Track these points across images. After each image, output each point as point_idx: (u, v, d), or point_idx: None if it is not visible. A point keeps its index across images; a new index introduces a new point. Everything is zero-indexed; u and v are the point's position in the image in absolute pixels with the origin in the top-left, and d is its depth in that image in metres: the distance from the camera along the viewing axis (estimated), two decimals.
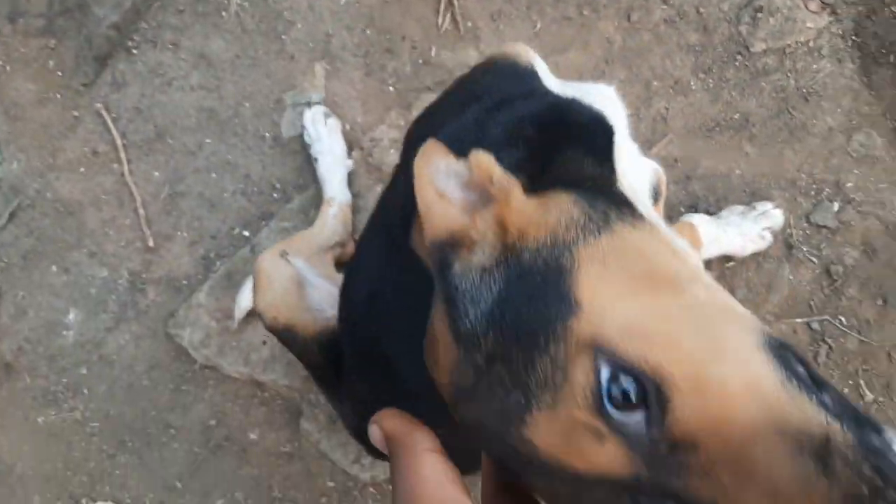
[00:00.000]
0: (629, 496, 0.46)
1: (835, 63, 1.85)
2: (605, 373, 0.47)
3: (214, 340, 1.82)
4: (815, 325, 1.71)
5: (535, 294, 0.53)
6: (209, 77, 2.06)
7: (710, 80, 1.87)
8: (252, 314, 1.77)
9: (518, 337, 0.51)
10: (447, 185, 0.62)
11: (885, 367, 1.67)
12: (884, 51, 1.85)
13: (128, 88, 2.07)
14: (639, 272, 0.54)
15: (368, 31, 2.04)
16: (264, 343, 1.79)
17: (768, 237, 1.70)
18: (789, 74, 1.85)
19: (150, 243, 1.95)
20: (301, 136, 1.96)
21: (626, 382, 0.47)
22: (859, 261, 1.73)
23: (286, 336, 1.33)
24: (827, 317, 1.71)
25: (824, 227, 1.75)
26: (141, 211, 1.98)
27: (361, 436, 1.50)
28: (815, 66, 1.85)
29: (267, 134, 2.00)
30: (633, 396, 0.46)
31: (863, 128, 1.80)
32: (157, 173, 2.01)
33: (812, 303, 1.72)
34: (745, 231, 1.68)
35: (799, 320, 1.72)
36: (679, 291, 0.53)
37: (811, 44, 1.86)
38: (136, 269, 1.95)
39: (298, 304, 1.37)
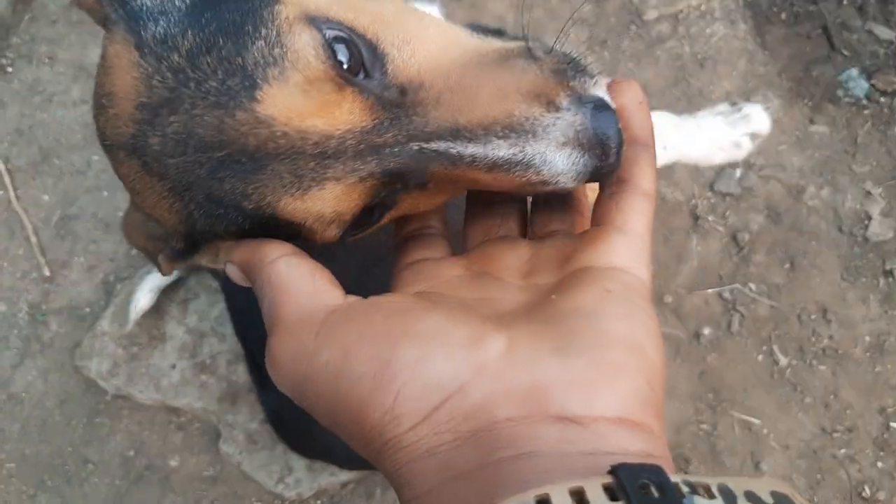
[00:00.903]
0: (374, 156, 0.49)
1: (728, 25, 1.82)
2: (329, 32, 0.50)
3: (123, 369, 1.75)
4: (727, 295, 1.70)
5: None
6: (90, 89, 1.95)
7: (607, 53, 1.83)
8: (149, 317, 1.72)
9: (221, 28, 0.49)
10: None
11: (796, 331, 1.68)
12: (775, 9, 1.82)
13: (6, 109, 1.96)
14: None
15: None
16: (173, 367, 1.73)
17: (746, 145, 1.51)
18: (684, 41, 1.81)
19: (47, 272, 1.86)
20: None
21: (340, 52, 0.50)
22: (764, 226, 1.72)
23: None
24: (737, 285, 1.70)
25: (728, 194, 1.74)
26: (33, 238, 1.88)
27: (282, 427, 1.46)
28: (708, 31, 1.81)
29: None
30: (346, 62, 0.50)
31: (759, 90, 1.78)
32: (46, 197, 1.91)
33: (721, 272, 1.72)
34: (717, 136, 1.50)
35: (710, 291, 1.71)
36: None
37: (703, 7, 1.83)
38: (36, 300, 1.86)
39: None
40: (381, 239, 0.62)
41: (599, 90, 0.51)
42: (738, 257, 1.72)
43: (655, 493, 0.32)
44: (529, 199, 0.61)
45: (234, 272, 0.52)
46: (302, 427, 1.33)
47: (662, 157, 1.46)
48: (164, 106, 0.49)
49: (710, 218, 1.74)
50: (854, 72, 1.77)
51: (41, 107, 1.95)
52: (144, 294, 1.67)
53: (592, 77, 0.52)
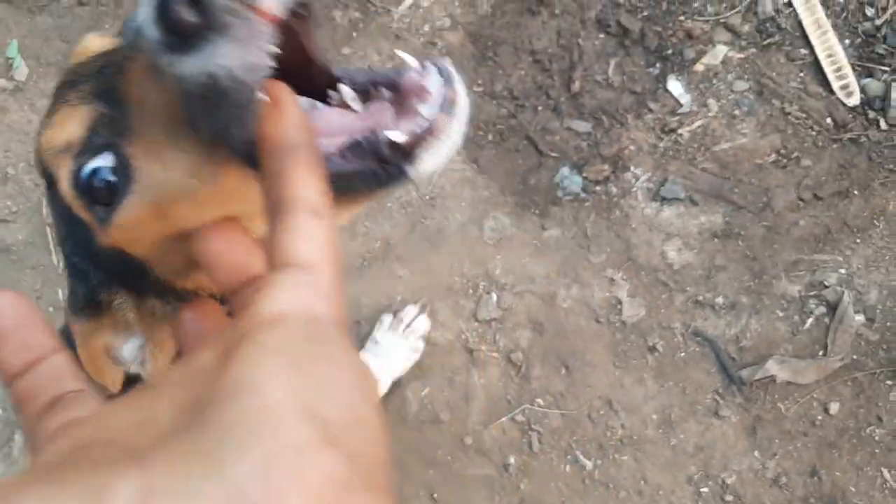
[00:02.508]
0: (97, 81, 0.55)
1: None
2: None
3: None
4: (519, 417, 1.76)
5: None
6: None
7: None
8: None
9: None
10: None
11: (591, 431, 1.75)
12: (481, 132, 1.94)
13: None
14: None
15: None
16: None
17: (421, 346, 1.77)
18: (409, 187, 1.89)
19: None
20: None
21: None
22: (532, 339, 1.80)
23: None
24: (525, 405, 1.76)
25: (492, 319, 1.81)
26: None
27: None
28: None
29: None
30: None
31: (489, 213, 1.88)
32: None
33: (508, 397, 1.77)
34: (401, 351, 1.75)
35: (504, 419, 1.76)
36: None
37: None
38: None
39: None
40: None
41: None
42: (519, 377, 1.78)
43: None
44: None
45: None
46: None
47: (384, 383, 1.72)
48: None
49: (483, 347, 1.80)
50: (566, 170, 1.90)
51: None
52: None
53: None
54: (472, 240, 1.87)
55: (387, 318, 1.78)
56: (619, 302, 1.81)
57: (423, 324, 1.78)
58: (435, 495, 1.73)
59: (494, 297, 1.82)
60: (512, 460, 1.74)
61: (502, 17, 2.06)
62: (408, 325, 1.76)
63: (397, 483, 1.74)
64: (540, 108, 1.96)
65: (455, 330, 1.82)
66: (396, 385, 1.77)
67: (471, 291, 1.84)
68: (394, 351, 1.73)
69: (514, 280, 1.84)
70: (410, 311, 1.79)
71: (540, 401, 1.77)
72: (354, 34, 2.05)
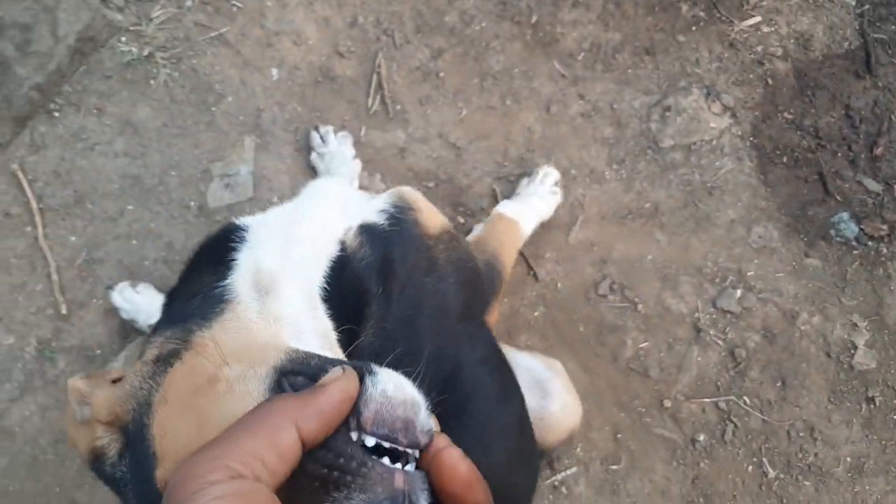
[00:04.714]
0: None
1: (735, 161, 2.06)
2: None
3: None
4: (722, 405, 1.85)
5: (139, 458, 0.66)
6: (135, 144, 2.09)
7: (623, 171, 2.04)
8: None
9: (148, 498, 0.64)
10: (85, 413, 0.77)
11: (785, 446, 1.82)
12: (778, 152, 2.07)
13: (47, 151, 2.07)
14: (187, 388, 0.66)
15: (300, 108, 2.12)
16: None
17: (559, 191, 1.96)
18: (695, 169, 2.04)
19: (63, 310, 1.93)
20: (226, 206, 2.01)
21: None
22: (760, 345, 1.89)
23: None
24: (732, 397, 1.85)
25: (729, 311, 1.91)
26: (54, 276, 1.96)
27: None
28: (717, 163, 2.05)
29: (192, 203, 2.03)
30: None
31: (761, 221, 2.00)
32: (73, 238, 2.00)
33: (719, 383, 1.87)
34: (540, 194, 1.92)
35: (707, 400, 1.85)
36: (213, 383, 0.65)
37: (714, 142, 2.07)
38: (46, 336, 1.92)
39: None
40: None
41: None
42: (735, 371, 1.88)
43: None
44: None
45: None
46: None
47: (529, 225, 1.88)
48: None
49: (712, 332, 1.91)
50: (845, 215, 2.01)
51: (82, 153, 2.08)
52: None
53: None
54: (737, 237, 1.99)
55: (524, 180, 1.97)
56: (855, 347, 1.89)
57: (553, 172, 1.97)
58: (619, 436, 1.84)
59: (739, 293, 1.94)
60: (701, 438, 1.82)
61: (830, 68, 2.20)
62: (544, 174, 1.95)
63: (588, 410, 1.85)
64: (839, 154, 2.09)
65: (691, 306, 1.94)
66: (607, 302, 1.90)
67: (718, 280, 1.96)
68: (535, 197, 1.91)
69: (763, 286, 1.95)
70: (544, 167, 1.98)
71: (747, 399, 1.86)
72: (693, 28, 2.24)
